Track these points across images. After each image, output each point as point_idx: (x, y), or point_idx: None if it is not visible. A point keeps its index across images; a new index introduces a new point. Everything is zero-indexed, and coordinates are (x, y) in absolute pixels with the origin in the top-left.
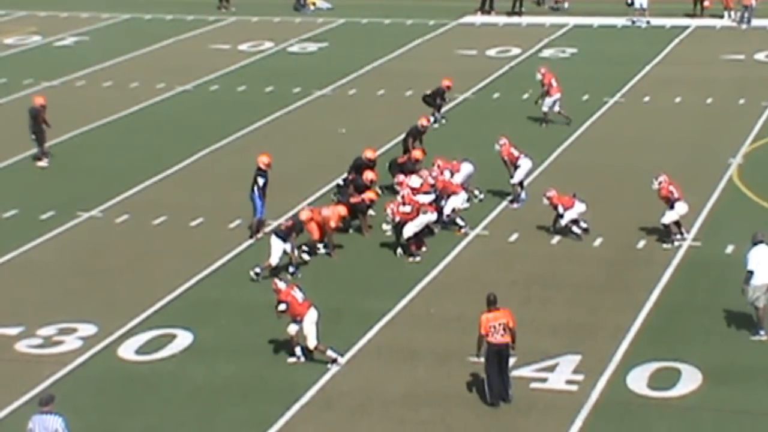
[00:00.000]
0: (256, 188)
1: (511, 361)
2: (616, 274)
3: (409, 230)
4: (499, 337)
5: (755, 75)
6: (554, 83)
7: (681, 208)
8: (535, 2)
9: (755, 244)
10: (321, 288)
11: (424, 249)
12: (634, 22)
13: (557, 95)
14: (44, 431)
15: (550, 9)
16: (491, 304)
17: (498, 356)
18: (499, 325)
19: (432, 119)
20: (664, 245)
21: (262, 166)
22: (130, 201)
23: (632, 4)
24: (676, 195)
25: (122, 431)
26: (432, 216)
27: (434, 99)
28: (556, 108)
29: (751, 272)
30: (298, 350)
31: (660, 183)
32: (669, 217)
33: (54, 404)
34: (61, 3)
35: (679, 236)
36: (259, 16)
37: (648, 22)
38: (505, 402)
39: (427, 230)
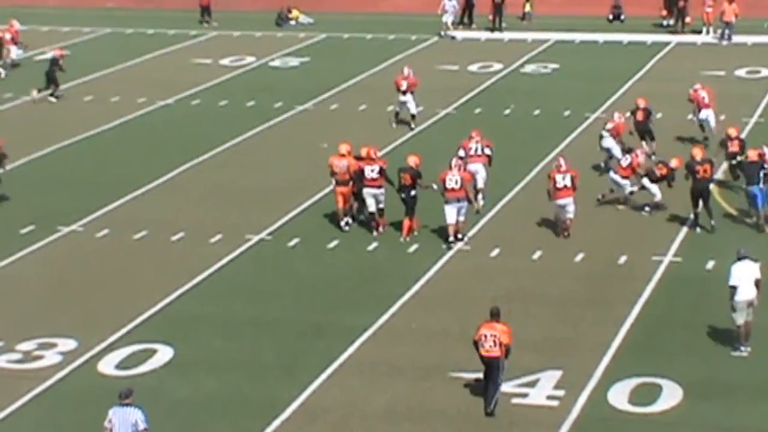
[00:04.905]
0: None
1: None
2: (598, 289)
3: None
4: (487, 347)
5: (736, 91)
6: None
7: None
8: (519, 18)
9: (739, 259)
10: (302, 303)
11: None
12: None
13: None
14: (124, 423)
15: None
16: (492, 316)
17: (487, 368)
18: (490, 336)
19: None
20: None
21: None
22: (110, 215)
23: (613, 20)
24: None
25: None
26: (376, 191)
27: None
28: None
29: (733, 288)
30: None
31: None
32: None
33: (132, 397)
34: (41, 16)
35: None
36: (240, 31)
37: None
38: (486, 414)
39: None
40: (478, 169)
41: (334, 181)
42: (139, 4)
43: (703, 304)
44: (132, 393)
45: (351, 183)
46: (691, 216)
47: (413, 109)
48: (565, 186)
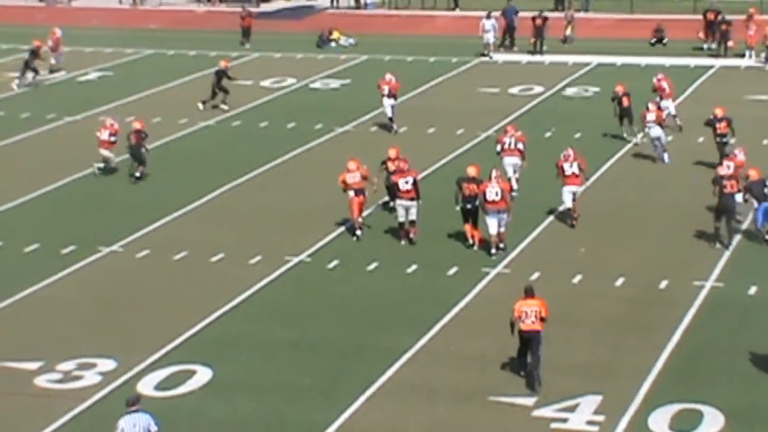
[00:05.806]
0: None
1: (532, 399)
2: (638, 314)
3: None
4: (529, 323)
5: None
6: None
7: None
8: (561, 40)
9: None
10: (341, 325)
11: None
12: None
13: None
14: (135, 428)
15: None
16: (527, 293)
17: (528, 342)
18: (531, 311)
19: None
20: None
21: None
22: (151, 236)
23: (655, 44)
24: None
25: None
26: (409, 202)
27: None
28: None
29: None
30: None
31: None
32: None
33: (139, 404)
34: (85, 38)
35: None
36: (281, 53)
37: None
38: (537, 387)
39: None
40: (514, 161)
41: (352, 192)
42: (181, 26)
43: (745, 330)
44: (139, 399)
45: (365, 192)
46: (714, 231)
47: (389, 113)
48: (573, 173)
